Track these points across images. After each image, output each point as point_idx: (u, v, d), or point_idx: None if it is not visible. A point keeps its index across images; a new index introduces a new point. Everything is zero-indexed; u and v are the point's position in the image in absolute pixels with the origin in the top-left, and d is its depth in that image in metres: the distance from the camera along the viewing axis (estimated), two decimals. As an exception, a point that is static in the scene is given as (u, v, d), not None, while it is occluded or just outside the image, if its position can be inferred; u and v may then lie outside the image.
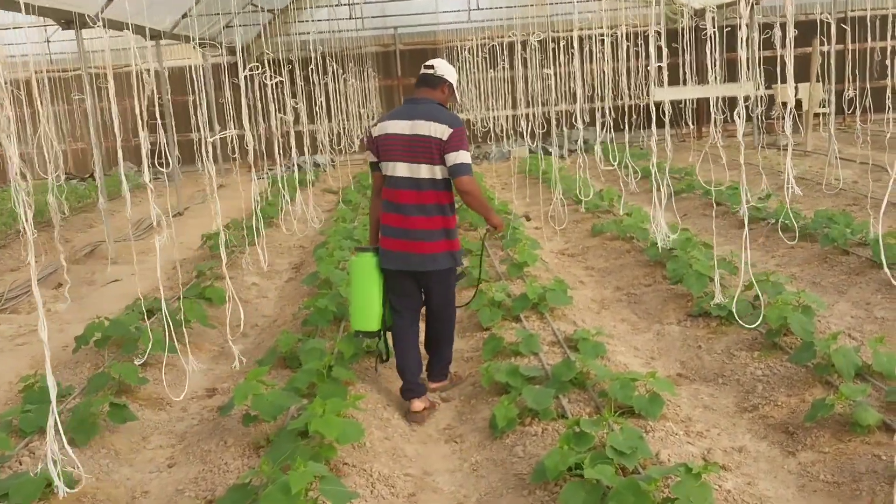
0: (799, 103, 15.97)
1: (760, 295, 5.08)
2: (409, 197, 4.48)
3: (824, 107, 14.48)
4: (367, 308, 4.60)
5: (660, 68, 15.80)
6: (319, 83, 12.94)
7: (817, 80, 14.35)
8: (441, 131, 4.39)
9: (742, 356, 4.98)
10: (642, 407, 4.10)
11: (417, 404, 4.68)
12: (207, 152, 6.88)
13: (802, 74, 15.17)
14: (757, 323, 5.08)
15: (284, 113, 8.16)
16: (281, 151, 9.42)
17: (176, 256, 8.02)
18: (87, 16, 8.78)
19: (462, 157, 4.42)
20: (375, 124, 4.62)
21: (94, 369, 5.52)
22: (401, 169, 4.48)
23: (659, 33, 8.22)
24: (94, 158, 9.89)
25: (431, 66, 4.62)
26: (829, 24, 10.56)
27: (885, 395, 4.07)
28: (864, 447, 3.71)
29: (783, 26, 11.07)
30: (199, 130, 15.73)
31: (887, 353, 4.31)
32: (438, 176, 4.46)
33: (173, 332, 5.45)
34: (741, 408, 4.46)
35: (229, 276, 7.91)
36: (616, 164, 7.92)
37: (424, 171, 4.45)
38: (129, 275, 8.96)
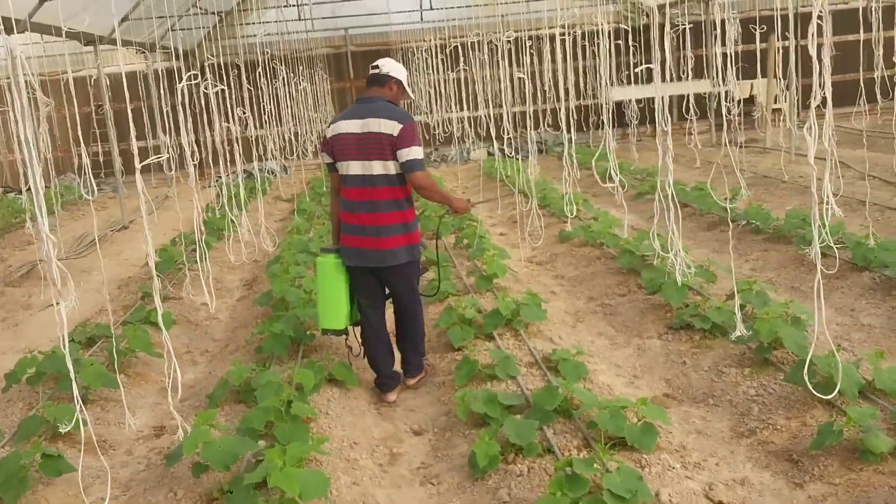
0: (754, 99, 15.94)
1: (738, 308, 4.77)
2: (364, 194, 4.57)
3: (779, 102, 14.42)
4: (334, 307, 4.74)
5: (618, 66, 15.61)
6: (269, 87, 12.42)
7: (774, 76, 14.30)
8: (391, 127, 4.46)
9: (732, 373, 4.67)
10: (635, 439, 3.75)
11: (391, 396, 4.93)
12: (151, 163, 6.42)
13: (762, 70, 15.14)
14: (745, 335, 4.80)
15: (229, 121, 7.66)
16: (227, 160, 8.93)
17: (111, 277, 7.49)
18: (15, 20, 8.16)
19: (414, 152, 4.49)
20: (328, 126, 4.69)
21: (28, 410, 5.00)
22: (354, 167, 4.56)
23: (613, 31, 8.00)
24: (29, 170, 9.26)
25: (377, 66, 4.70)
26: (786, 18, 10.42)
27: (893, 417, 3.78)
28: (878, 477, 3.41)
29: (745, 22, 10.83)
30: (145, 139, 15.10)
31: (890, 369, 4.04)
32: (392, 171, 4.54)
33: (116, 365, 4.97)
34: (737, 432, 4.14)
35: (176, 297, 7.43)
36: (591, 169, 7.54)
37: (377, 168, 4.52)
38: (71, 297, 8.38)
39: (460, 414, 4.22)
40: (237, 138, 7.89)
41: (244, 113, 7.50)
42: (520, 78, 7.20)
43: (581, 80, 14.70)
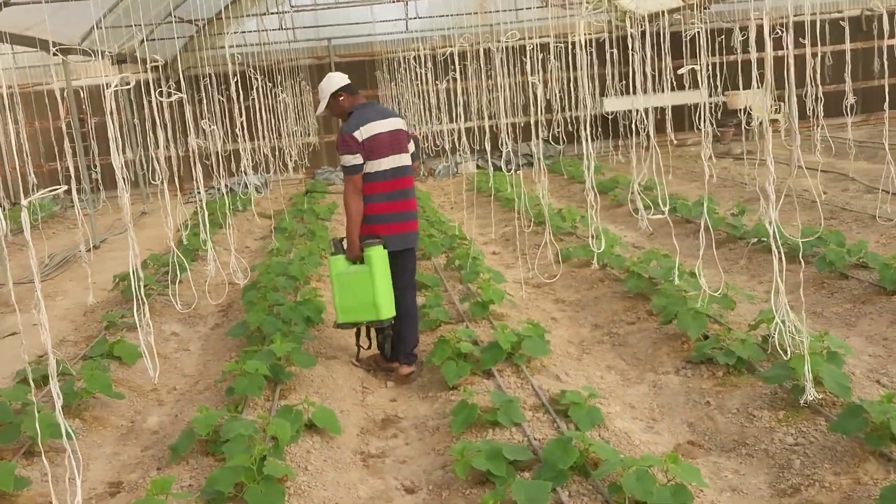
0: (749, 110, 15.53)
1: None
2: (399, 184, 5.16)
3: (777, 113, 13.99)
4: (390, 296, 5.14)
5: (610, 77, 15.15)
6: (243, 99, 11.87)
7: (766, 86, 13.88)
8: (403, 124, 5.28)
9: (764, 417, 4.13)
10: (667, 506, 3.20)
11: (408, 369, 5.37)
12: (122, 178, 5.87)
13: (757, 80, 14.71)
14: (774, 371, 4.28)
15: (197, 135, 7.11)
16: (199, 175, 8.35)
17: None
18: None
19: (413, 143, 5.39)
20: (354, 129, 5.00)
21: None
22: (387, 162, 5.08)
23: (603, 41, 7.51)
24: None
25: (348, 77, 5.28)
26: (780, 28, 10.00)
27: (964, 475, 3.26)
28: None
29: (742, 30, 10.36)
30: (120, 154, 14.46)
31: (954, 416, 3.52)
32: (410, 162, 5.28)
33: (71, 407, 4.39)
34: (779, 490, 3.60)
35: (144, 326, 6.82)
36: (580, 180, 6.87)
37: (405, 160, 5.22)
38: (32, 325, 7.76)
39: (459, 472, 3.65)
40: (211, 152, 7.32)
41: (210, 126, 6.91)
42: (532, 82, 6.64)
43: (573, 90, 14.21)
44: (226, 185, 14.46)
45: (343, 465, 4.14)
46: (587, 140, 5.26)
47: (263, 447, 3.74)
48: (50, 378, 2.72)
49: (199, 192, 6.38)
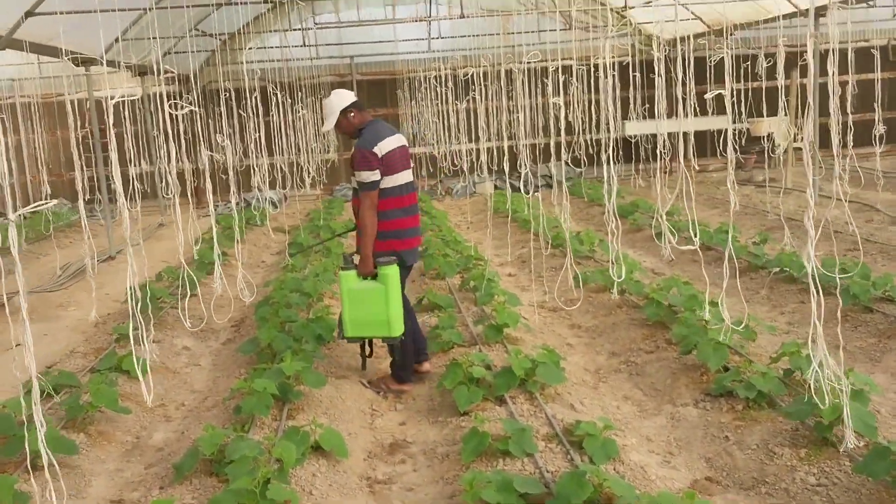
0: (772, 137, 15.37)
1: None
2: (412, 199, 5.28)
3: (800, 140, 13.82)
4: (401, 313, 5.17)
5: (633, 100, 15.07)
6: (262, 115, 11.86)
7: (787, 114, 13.72)
8: (405, 141, 5.38)
9: (785, 455, 3.98)
10: (683, 546, 3.07)
11: (428, 366, 5.63)
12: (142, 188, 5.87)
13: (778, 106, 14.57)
14: (796, 407, 4.14)
15: (213, 149, 7.08)
16: (216, 188, 8.30)
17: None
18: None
19: None
20: (373, 145, 5.01)
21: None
22: (402, 177, 5.18)
23: (625, 64, 7.42)
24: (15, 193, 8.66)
25: (354, 93, 5.33)
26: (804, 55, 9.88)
27: None
28: None
29: (768, 56, 10.22)
30: (137, 165, 14.50)
31: None
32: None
33: (77, 420, 4.31)
34: (800, 533, 3.45)
35: (156, 340, 6.77)
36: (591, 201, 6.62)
37: (412, 175, 5.36)
38: (42, 335, 7.74)
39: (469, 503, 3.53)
40: (228, 167, 7.28)
41: (223, 140, 6.87)
42: (554, 103, 6.53)
43: (595, 112, 14.13)
44: (244, 200, 14.51)
45: (349, 490, 4.03)
46: (608, 164, 5.15)
47: (268, 470, 3.65)
48: (33, 404, 2.63)
49: (214, 206, 6.31)
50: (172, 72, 6.83)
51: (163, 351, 6.60)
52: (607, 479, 3.44)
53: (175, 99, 6.76)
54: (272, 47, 15.59)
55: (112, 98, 4.25)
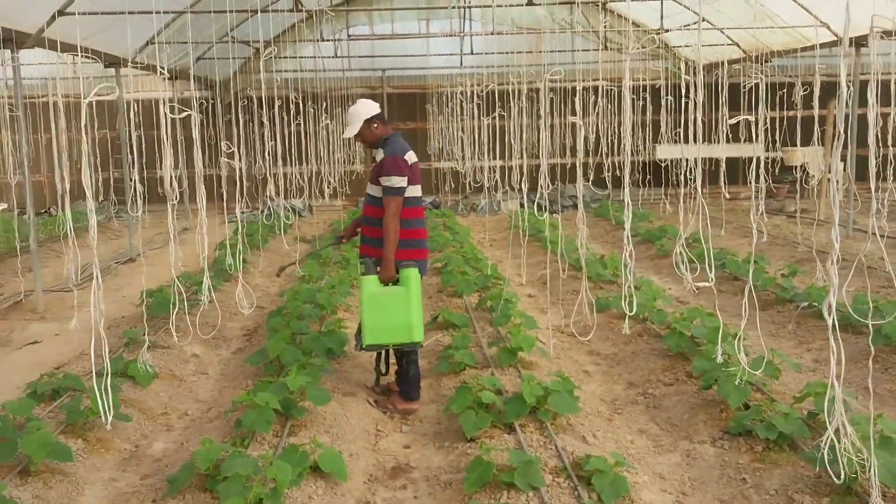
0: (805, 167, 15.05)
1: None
2: (424, 212, 5.36)
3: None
4: (421, 319, 5.13)
5: (665, 123, 14.85)
6: (292, 124, 11.83)
7: (822, 145, 13.43)
8: None
9: (805, 503, 3.76)
10: None
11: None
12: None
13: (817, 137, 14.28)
14: (819, 453, 3.91)
15: (234, 157, 7.01)
16: (242, 194, 8.23)
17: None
18: (20, 32, 7.64)
19: None
20: (403, 153, 5.10)
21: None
22: (419, 190, 5.25)
23: (652, 88, 7.25)
24: (28, 191, 8.69)
25: (384, 106, 5.04)
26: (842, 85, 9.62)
27: None
28: None
29: (807, 85, 9.95)
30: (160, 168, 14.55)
31: None
32: None
33: (76, 426, 4.19)
34: (819, 591, 3.23)
35: (166, 346, 6.69)
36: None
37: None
38: (54, 335, 7.69)
39: (467, 538, 3.36)
40: (242, 174, 7.22)
41: (229, 147, 6.81)
42: (578, 124, 6.35)
43: (622, 134, 13.92)
44: (268, 208, 14.46)
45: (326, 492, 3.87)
46: (626, 187, 4.97)
47: (261, 490, 3.51)
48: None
49: (237, 213, 6.23)
50: (166, 70, 6.82)
51: (171, 358, 6.50)
52: (614, 520, 3.25)
53: (205, 103, 6.74)
54: (305, 57, 15.62)
55: (166, 104, 4.18)
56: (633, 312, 5.34)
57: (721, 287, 8.41)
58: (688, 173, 6.91)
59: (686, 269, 4.83)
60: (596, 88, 13.01)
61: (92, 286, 4.24)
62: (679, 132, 14.83)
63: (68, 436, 4.73)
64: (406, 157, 5.10)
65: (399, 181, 5.01)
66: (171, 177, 5.54)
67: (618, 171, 13.85)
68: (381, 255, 5.01)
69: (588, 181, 13.47)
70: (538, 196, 8.49)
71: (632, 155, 15.89)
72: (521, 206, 15.39)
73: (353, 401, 5.32)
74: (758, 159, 6.26)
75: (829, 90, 11.81)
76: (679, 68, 15.35)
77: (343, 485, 4.11)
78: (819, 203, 13.74)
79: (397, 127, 15.00)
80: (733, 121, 4.51)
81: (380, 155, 5.16)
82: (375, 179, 5.14)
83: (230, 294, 9.05)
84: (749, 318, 7.56)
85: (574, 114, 13.19)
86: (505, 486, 3.86)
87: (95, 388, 3.79)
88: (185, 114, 5.10)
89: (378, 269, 5.04)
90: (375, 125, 5.17)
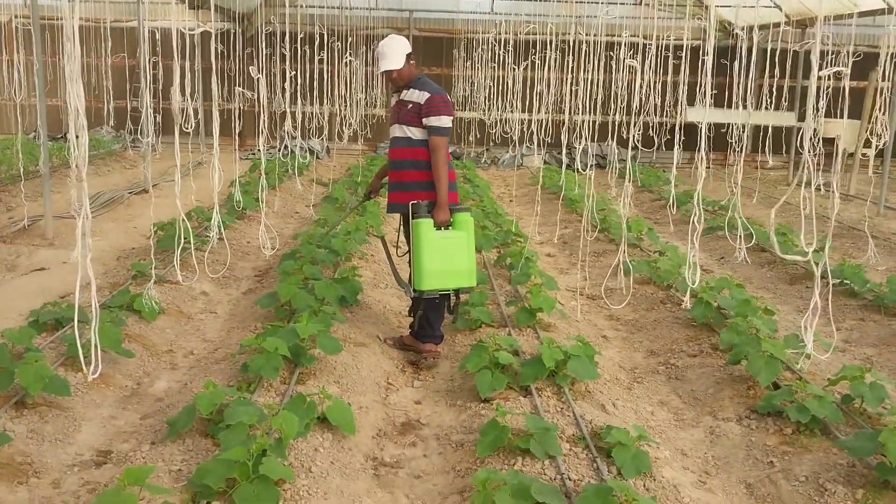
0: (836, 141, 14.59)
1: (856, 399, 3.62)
2: None
3: (868, 146, 13.09)
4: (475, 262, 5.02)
5: (698, 85, 14.41)
6: (313, 61, 11.48)
7: (869, 118, 12.97)
8: None
9: (839, 494, 3.55)
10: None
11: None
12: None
13: (855, 109, 13.81)
14: (857, 442, 3.70)
15: (247, 88, 6.73)
16: (263, 131, 7.96)
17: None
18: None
19: None
20: (447, 97, 4.96)
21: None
22: None
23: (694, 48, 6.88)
24: (40, 116, 8.44)
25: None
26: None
27: None
28: None
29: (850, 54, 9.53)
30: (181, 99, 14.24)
31: None
32: None
33: (76, 360, 4.00)
34: (850, 588, 3.04)
35: (175, 281, 6.50)
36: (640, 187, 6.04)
37: None
38: (62, 262, 7.52)
39: (480, 506, 3.17)
40: (262, 107, 6.94)
41: (256, 74, 6.54)
42: (632, 67, 6.04)
43: (656, 95, 13.51)
44: (286, 146, 14.17)
45: (351, 471, 3.70)
46: (677, 150, 4.69)
47: (265, 441, 3.32)
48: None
49: (255, 150, 5.98)
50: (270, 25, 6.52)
51: (180, 294, 6.33)
52: (637, 499, 3.05)
53: (228, 37, 6.44)
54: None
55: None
56: (695, 285, 5.12)
57: (748, 257, 8.13)
58: (727, 138, 6.58)
59: (696, 222, 4.59)
60: (632, 45, 12.56)
61: (81, 218, 3.96)
62: (712, 95, 14.42)
63: (68, 369, 4.57)
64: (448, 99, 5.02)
65: (448, 121, 4.92)
66: (180, 101, 5.28)
67: (651, 132, 13.44)
68: (415, 198, 4.86)
69: (623, 139, 13.08)
70: (564, 153, 8.20)
71: (662, 116, 15.50)
72: (544, 162, 15.06)
73: (365, 351, 5.13)
74: (797, 129, 5.96)
75: (871, 62, 11.34)
76: (718, 30, 14.84)
77: (351, 438, 3.93)
78: (850, 178, 13.35)
79: (421, 71, 14.61)
80: (825, 72, 4.16)
81: (410, 95, 4.90)
82: (407, 119, 4.90)
83: (242, 232, 8.87)
84: (778, 293, 7.32)
85: (608, 70, 12.76)
86: (520, 451, 3.66)
87: (76, 337, 3.55)
88: (200, 29, 4.82)
89: (429, 211, 4.86)
90: (412, 62, 4.97)
